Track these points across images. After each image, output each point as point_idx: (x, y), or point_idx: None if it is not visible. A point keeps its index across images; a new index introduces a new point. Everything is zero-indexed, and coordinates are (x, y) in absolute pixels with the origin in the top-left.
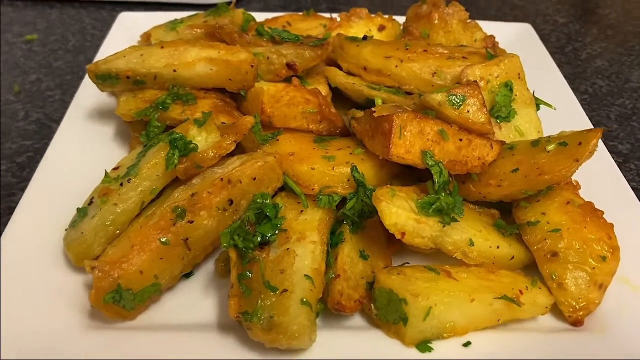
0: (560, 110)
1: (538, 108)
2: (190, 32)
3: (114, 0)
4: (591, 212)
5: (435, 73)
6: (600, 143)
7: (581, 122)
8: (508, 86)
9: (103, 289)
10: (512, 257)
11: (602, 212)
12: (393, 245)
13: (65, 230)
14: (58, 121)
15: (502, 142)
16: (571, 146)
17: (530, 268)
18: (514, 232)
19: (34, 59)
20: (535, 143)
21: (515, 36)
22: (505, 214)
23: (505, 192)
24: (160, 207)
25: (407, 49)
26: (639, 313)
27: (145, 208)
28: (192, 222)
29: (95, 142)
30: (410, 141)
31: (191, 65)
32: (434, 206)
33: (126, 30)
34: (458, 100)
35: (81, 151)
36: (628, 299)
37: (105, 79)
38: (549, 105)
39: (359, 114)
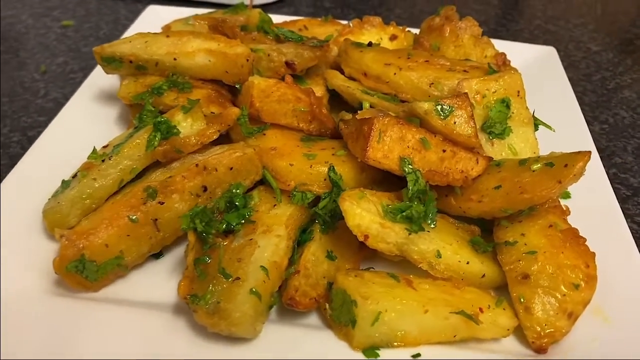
0: (567, 136)
1: (537, 128)
2: (195, 24)
3: None
4: (572, 238)
5: (432, 84)
6: (602, 171)
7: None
8: (505, 102)
9: (67, 257)
10: (483, 275)
11: (585, 240)
12: (364, 250)
13: (48, 200)
14: None
15: (490, 158)
16: (556, 167)
17: (505, 291)
18: (489, 250)
19: (65, 43)
20: (523, 162)
21: (536, 59)
22: (489, 233)
23: (485, 209)
24: (134, 187)
25: (408, 58)
26: (608, 347)
27: (124, 187)
28: (163, 203)
29: (97, 121)
30: (389, 146)
31: (191, 55)
32: (403, 213)
33: (151, 23)
34: (445, 111)
35: (82, 128)
36: (599, 331)
37: (110, 62)
38: (548, 127)
39: (348, 116)
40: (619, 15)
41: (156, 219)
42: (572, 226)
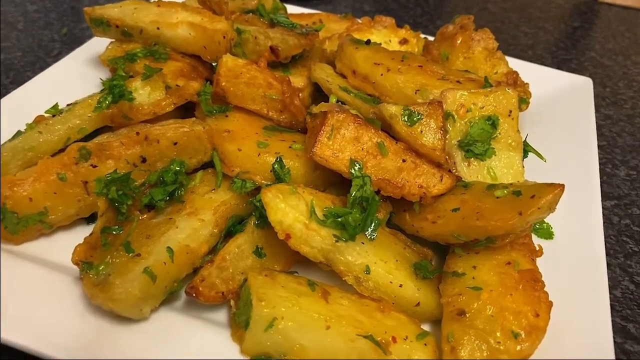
0: (571, 177)
1: (526, 155)
2: None
3: None
4: (529, 280)
5: (419, 90)
6: (599, 216)
7: (591, 195)
8: (491, 120)
9: None
10: (418, 304)
11: (543, 285)
12: (300, 254)
13: None
14: None
15: (457, 178)
16: (523, 197)
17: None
18: (430, 278)
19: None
20: (491, 187)
21: (567, 86)
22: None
23: (437, 231)
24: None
25: (402, 60)
26: None
27: None
28: (96, 167)
29: (82, 82)
30: (340, 145)
31: (174, 27)
32: (339, 219)
33: None
34: (413, 117)
35: (65, 87)
36: None
37: (99, 24)
38: (539, 156)
39: (316, 109)
40: None
41: (86, 182)
42: (536, 269)
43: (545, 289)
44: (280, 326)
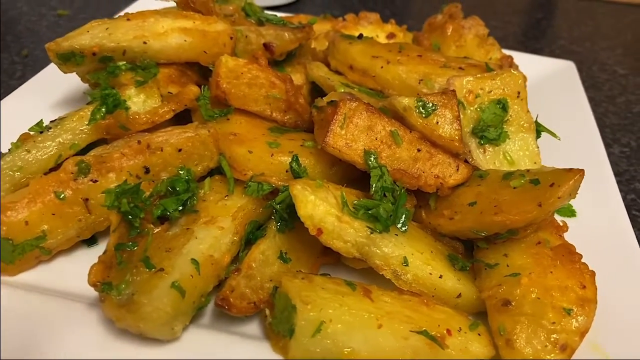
0: (579, 153)
1: (539, 135)
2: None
3: None
4: (565, 255)
5: (422, 80)
6: (616, 189)
7: (602, 169)
8: (501, 104)
9: None
10: (459, 295)
11: (580, 257)
12: (326, 256)
13: None
14: None
15: (473, 168)
16: (541, 186)
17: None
18: (467, 268)
19: (56, 31)
20: (507, 175)
21: (553, 72)
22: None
23: (455, 227)
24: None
25: (400, 52)
26: None
27: None
28: (96, 181)
29: (54, 102)
30: (353, 134)
31: (163, 37)
32: (370, 211)
33: None
34: (428, 109)
35: (41, 103)
36: None
37: (69, 58)
38: (553, 134)
39: (322, 102)
40: None
41: (87, 199)
42: (568, 243)
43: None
44: (329, 330)
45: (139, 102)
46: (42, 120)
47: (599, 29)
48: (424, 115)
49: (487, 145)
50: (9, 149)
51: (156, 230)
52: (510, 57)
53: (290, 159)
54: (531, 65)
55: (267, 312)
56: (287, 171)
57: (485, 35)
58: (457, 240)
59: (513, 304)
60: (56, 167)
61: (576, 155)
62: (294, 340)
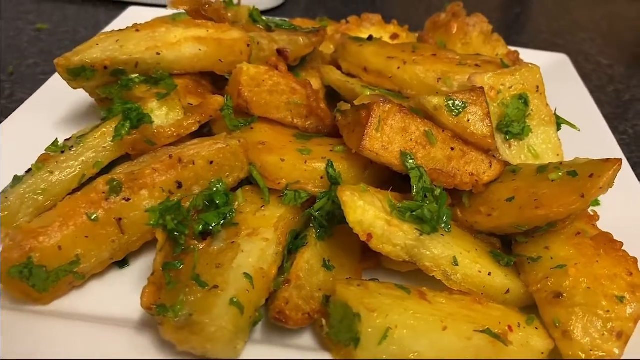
0: (591, 142)
1: (559, 128)
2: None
3: (136, 1)
4: (607, 243)
5: (441, 78)
6: (633, 175)
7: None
8: (523, 99)
9: (10, 260)
10: (508, 291)
11: (622, 244)
12: (367, 260)
13: None
14: None
15: (505, 163)
16: (580, 177)
17: (532, 311)
18: (511, 264)
19: (37, 46)
20: (541, 169)
21: (549, 65)
22: (506, 247)
23: (494, 224)
24: (97, 180)
25: (413, 52)
26: None
27: (85, 185)
28: (129, 200)
29: (59, 120)
30: (389, 136)
31: (176, 47)
32: (414, 213)
33: (129, 23)
34: (458, 107)
35: (42, 126)
36: None
37: (79, 73)
38: (573, 126)
39: (346, 106)
40: (626, 32)
41: (120, 219)
42: (604, 232)
43: None
44: (395, 335)
45: (161, 115)
46: (57, 139)
47: (577, 21)
48: (454, 114)
49: (512, 141)
50: (26, 172)
51: (200, 246)
52: (516, 52)
53: (323, 165)
54: (526, 59)
55: (324, 322)
56: (321, 177)
57: (489, 32)
58: (494, 236)
59: (564, 295)
60: (78, 188)
61: (589, 145)
62: (360, 349)
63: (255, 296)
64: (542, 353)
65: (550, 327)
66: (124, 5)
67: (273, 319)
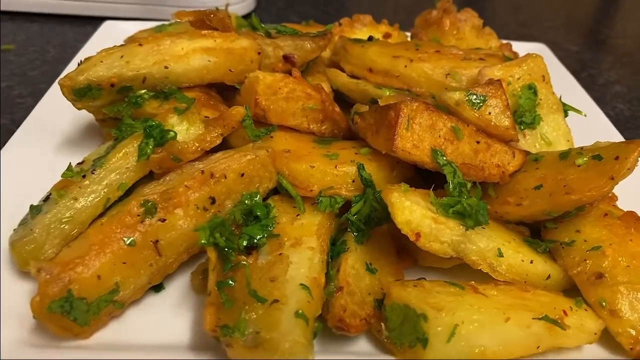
0: (590, 125)
1: (566, 114)
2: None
3: (103, 16)
4: (635, 222)
5: (449, 74)
6: None
7: (613, 136)
8: (532, 89)
9: (49, 295)
10: (549, 277)
11: None
12: (404, 260)
13: (14, 230)
14: None
15: (526, 152)
16: (606, 161)
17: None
18: (547, 250)
19: (7, 68)
20: (564, 155)
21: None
22: (534, 235)
23: (525, 213)
24: (127, 203)
25: (417, 50)
26: None
27: (110, 208)
28: (165, 220)
29: (59, 144)
30: (419, 135)
31: (184, 59)
32: (454, 208)
33: (109, 37)
34: (478, 101)
35: (41, 152)
36: None
37: (84, 93)
38: (578, 112)
39: (363, 108)
40: (585, 18)
41: (157, 241)
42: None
43: None
44: (463, 332)
45: (182, 130)
46: (70, 164)
47: (539, 12)
48: (476, 108)
49: (526, 130)
50: (44, 200)
51: (249, 261)
52: (509, 44)
53: (353, 169)
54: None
55: (383, 325)
56: (352, 181)
57: (480, 26)
58: (522, 224)
59: (606, 275)
60: (104, 213)
61: (587, 128)
62: (429, 350)
63: (314, 306)
64: (595, 334)
65: (597, 308)
66: (89, 21)
67: (335, 328)
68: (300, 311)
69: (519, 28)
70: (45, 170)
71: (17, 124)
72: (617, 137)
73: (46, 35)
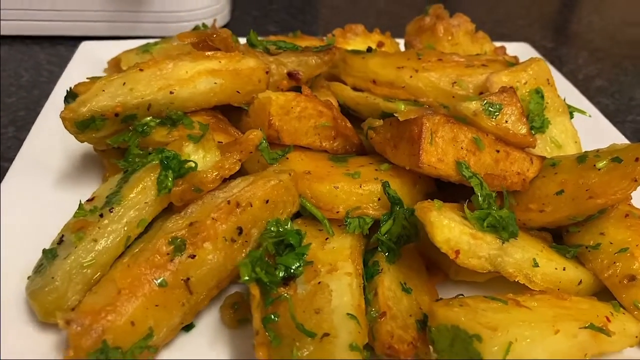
0: (589, 124)
1: (572, 116)
2: (178, 45)
3: (72, 35)
4: None
5: (455, 82)
6: None
7: (613, 135)
8: (539, 93)
9: (83, 348)
10: (580, 282)
11: None
12: (435, 275)
13: (28, 278)
14: (12, 160)
15: (543, 158)
16: (627, 163)
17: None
18: (575, 254)
19: None
20: (581, 159)
21: (518, 54)
22: (555, 239)
23: (549, 219)
24: (152, 241)
25: (419, 59)
26: None
27: (130, 247)
28: (194, 256)
29: (56, 179)
30: (442, 148)
31: (190, 82)
32: (486, 221)
33: (89, 60)
34: (495, 110)
35: (41, 189)
36: None
37: (88, 125)
38: (583, 112)
39: (377, 122)
40: (555, 15)
41: (188, 278)
42: None
43: None
44: (517, 349)
45: (199, 159)
46: (81, 202)
47: (511, 11)
48: (492, 117)
49: (536, 135)
50: (58, 243)
51: (289, 293)
52: (503, 47)
53: (378, 187)
54: None
55: (431, 348)
56: (378, 199)
57: (473, 30)
58: (545, 230)
59: (638, 277)
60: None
61: (586, 127)
62: None
63: (363, 335)
64: (636, 337)
65: (633, 310)
66: (59, 41)
67: (385, 356)
68: (354, 343)
69: (496, 27)
70: (46, 208)
71: (3, 157)
72: (615, 135)
73: (16, 59)
